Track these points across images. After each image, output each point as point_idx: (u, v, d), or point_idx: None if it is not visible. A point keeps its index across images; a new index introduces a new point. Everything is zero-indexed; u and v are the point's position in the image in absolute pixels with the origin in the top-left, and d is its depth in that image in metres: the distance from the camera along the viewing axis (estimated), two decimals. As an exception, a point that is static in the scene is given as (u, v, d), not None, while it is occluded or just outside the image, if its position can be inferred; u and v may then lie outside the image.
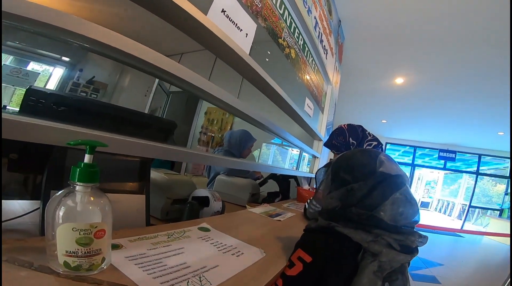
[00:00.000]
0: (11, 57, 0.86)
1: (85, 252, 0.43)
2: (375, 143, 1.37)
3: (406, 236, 0.67)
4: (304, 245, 0.72)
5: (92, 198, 0.45)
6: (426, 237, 0.69)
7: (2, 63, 0.85)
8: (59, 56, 0.94)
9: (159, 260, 0.58)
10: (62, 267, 0.43)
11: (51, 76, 0.96)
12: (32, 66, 0.91)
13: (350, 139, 1.40)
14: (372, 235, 0.66)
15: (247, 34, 1.17)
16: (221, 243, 0.80)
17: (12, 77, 0.87)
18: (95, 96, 1.02)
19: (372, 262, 0.65)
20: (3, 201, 0.77)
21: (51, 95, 0.76)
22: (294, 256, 0.70)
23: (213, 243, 0.78)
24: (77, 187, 0.44)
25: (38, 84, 0.92)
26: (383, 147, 1.54)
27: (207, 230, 0.89)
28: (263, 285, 0.62)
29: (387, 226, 0.66)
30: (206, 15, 0.92)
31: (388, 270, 0.65)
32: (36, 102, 0.71)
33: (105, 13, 0.88)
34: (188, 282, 0.52)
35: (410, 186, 0.77)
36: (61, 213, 0.42)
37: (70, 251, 0.42)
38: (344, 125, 1.48)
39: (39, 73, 0.93)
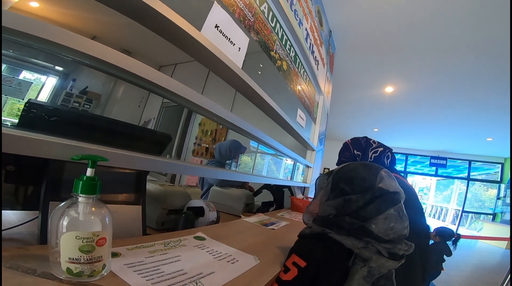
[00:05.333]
0: (4, 65, 0.86)
1: (87, 259, 0.45)
2: (380, 149, 1.34)
3: (394, 245, 0.70)
4: (298, 250, 0.74)
5: (93, 209, 0.48)
6: (412, 246, 0.72)
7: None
8: (52, 65, 0.95)
9: (157, 267, 0.60)
10: (64, 274, 0.45)
11: (43, 85, 0.96)
12: (25, 75, 0.91)
13: (355, 151, 1.38)
14: (363, 242, 0.69)
15: (239, 48, 1.21)
16: (217, 251, 0.82)
17: (5, 86, 0.87)
18: (88, 106, 1.03)
19: (362, 268, 0.69)
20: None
21: (50, 109, 0.78)
22: (289, 262, 0.72)
23: (208, 251, 0.80)
24: (80, 199, 0.47)
25: (31, 94, 0.92)
26: (391, 151, 1.45)
27: (202, 239, 0.91)
28: (257, 289, 0.64)
29: (377, 236, 0.70)
30: (200, 30, 0.96)
31: (376, 276, 0.69)
32: (36, 115, 0.73)
33: (99, 22, 0.91)
34: (185, 287, 0.54)
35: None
36: (64, 223, 0.45)
37: (73, 258, 0.44)
38: (348, 140, 1.46)
39: (32, 83, 0.93)
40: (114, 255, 0.61)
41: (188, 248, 0.80)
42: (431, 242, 3.05)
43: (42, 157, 0.55)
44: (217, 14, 1.06)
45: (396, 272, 0.75)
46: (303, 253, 0.72)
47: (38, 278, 0.44)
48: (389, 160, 1.32)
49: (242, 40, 1.24)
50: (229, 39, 1.14)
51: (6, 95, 0.88)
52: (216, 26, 1.05)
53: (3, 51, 0.79)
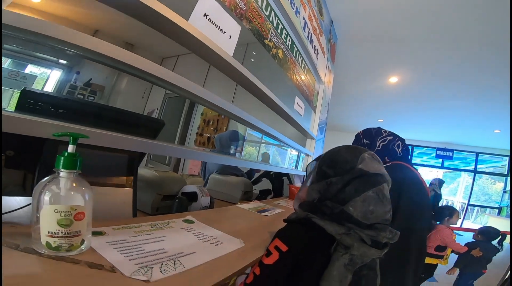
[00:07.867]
0: (9, 60, 0.89)
1: (65, 232, 0.48)
2: (389, 138, 1.32)
3: (378, 232, 0.69)
4: (281, 235, 0.75)
5: (74, 184, 0.51)
6: (397, 234, 0.71)
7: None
8: (56, 59, 0.97)
9: (138, 246, 0.63)
10: (44, 248, 0.48)
11: (48, 79, 0.99)
12: (30, 69, 0.94)
13: (364, 140, 1.37)
14: (345, 228, 0.68)
15: (230, 36, 1.22)
16: (203, 234, 0.84)
17: (10, 79, 0.90)
18: (92, 98, 1.06)
19: (343, 255, 0.67)
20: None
21: (41, 95, 0.81)
22: (271, 245, 0.73)
23: (194, 233, 0.83)
24: (61, 174, 0.50)
25: (36, 86, 0.96)
26: (402, 141, 1.38)
27: (191, 222, 0.94)
28: (236, 270, 0.67)
29: (358, 222, 0.69)
30: (188, 20, 0.97)
31: (359, 264, 0.68)
32: (30, 102, 0.76)
33: (102, 15, 0.93)
34: (162, 264, 0.57)
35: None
36: (46, 198, 0.48)
37: (51, 232, 0.47)
38: (361, 131, 1.44)
39: (37, 76, 0.96)
40: (99, 233, 0.64)
41: (175, 230, 0.82)
42: (473, 240, 3.00)
43: (26, 134, 0.57)
44: (206, 3, 1.06)
45: (391, 261, 0.74)
46: (285, 237, 0.72)
47: (20, 252, 0.47)
48: (401, 149, 1.30)
49: (233, 28, 1.24)
50: (219, 27, 1.14)
51: (11, 88, 0.91)
52: (205, 15, 1.06)
53: (8, 46, 0.82)
